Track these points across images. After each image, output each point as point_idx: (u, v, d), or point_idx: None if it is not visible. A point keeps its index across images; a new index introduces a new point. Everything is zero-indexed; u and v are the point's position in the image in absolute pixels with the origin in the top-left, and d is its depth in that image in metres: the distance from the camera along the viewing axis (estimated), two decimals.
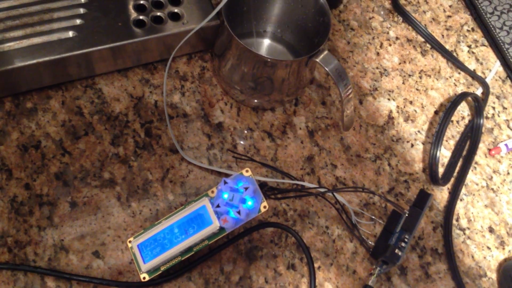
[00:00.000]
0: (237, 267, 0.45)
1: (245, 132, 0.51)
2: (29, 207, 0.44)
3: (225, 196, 0.41)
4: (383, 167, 0.53)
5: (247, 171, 0.42)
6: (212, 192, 0.43)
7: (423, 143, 0.56)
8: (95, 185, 0.46)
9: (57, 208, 0.44)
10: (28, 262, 0.42)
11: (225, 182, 0.41)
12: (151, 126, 0.49)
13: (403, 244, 0.43)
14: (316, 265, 0.46)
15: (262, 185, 0.44)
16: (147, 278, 0.42)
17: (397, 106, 0.58)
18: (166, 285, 0.43)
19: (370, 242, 0.48)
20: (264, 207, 0.41)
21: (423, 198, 0.46)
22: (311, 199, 0.49)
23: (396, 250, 0.43)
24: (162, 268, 0.42)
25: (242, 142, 0.51)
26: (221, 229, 0.42)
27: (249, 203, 0.41)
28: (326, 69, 0.46)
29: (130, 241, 0.42)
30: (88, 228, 0.44)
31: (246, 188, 0.41)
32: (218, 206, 0.41)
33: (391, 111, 0.57)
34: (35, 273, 0.42)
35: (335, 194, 0.49)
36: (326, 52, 0.45)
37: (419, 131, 0.57)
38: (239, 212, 0.40)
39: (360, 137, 0.54)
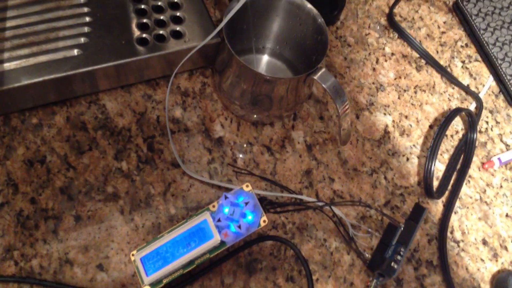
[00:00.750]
0: (237, 279, 0.46)
1: (245, 146, 0.53)
2: (35, 221, 0.45)
3: (226, 210, 0.42)
4: (379, 180, 0.54)
5: (247, 186, 0.43)
6: (213, 206, 0.44)
7: (418, 157, 0.57)
8: (99, 199, 0.47)
9: (62, 222, 0.45)
10: (34, 275, 0.43)
11: (226, 197, 0.42)
12: (153, 141, 0.51)
13: (398, 257, 0.44)
14: (314, 277, 0.48)
15: (262, 199, 0.45)
16: None
17: (393, 121, 0.59)
18: None
19: (367, 255, 0.49)
20: (264, 221, 0.43)
21: (418, 211, 0.47)
22: (309, 213, 0.50)
23: (392, 263, 0.44)
24: (164, 281, 0.43)
25: (242, 156, 0.52)
26: (222, 243, 0.43)
27: (249, 217, 0.42)
28: (324, 86, 0.47)
29: (133, 254, 0.43)
30: (92, 241, 0.45)
31: (246, 203, 0.42)
32: (219, 220, 0.42)
33: (387, 126, 0.58)
34: (41, 285, 0.43)
35: (332, 207, 0.50)
36: (323, 70, 0.47)
37: (414, 145, 0.58)
38: (239, 227, 0.41)
39: (357, 151, 0.56)
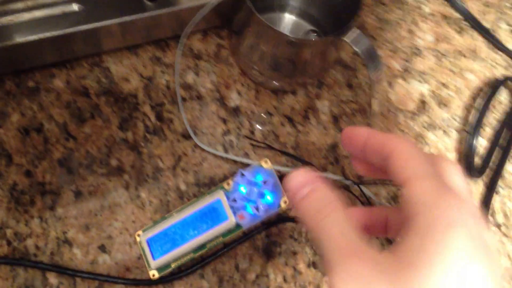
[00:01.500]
0: (254, 264, 0.42)
1: (264, 116, 0.48)
2: (30, 196, 0.41)
3: (242, 189, 0.38)
4: None
5: (266, 162, 0.39)
6: (228, 184, 0.39)
7: (457, 131, 0.52)
8: (102, 173, 0.43)
9: (61, 198, 0.42)
10: (28, 256, 0.39)
11: (242, 174, 0.38)
12: (163, 109, 0.46)
13: None
14: None
15: (282, 177, 0.41)
16: (157, 275, 0.39)
17: (430, 90, 0.54)
18: (177, 283, 0.40)
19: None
20: (285, 202, 0.38)
21: None
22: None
23: None
24: (173, 265, 0.39)
25: (260, 128, 0.47)
26: (237, 225, 0.39)
27: (268, 198, 0.38)
28: (356, 49, 0.42)
29: (138, 235, 0.39)
30: (94, 219, 0.41)
31: (265, 182, 0.38)
32: (234, 200, 0.38)
33: (423, 95, 0.53)
34: (36, 268, 0.39)
35: (360, 186, 0.45)
36: (356, 31, 0.41)
37: (453, 117, 0.53)
38: (257, 208, 0.37)
39: (389, 124, 0.51)
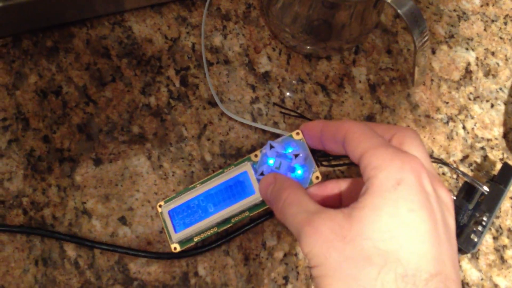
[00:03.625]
0: (282, 241, 0.41)
1: (295, 83, 0.46)
2: (48, 163, 0.40)
3: (271, 162, 0.36)
4: (456, 130, 0.47)
5: (297, 133, 0.37)
6: (256, 156, 0.38)
7: (505, 103, 0.49)
8: (123, 141, 0.41)
9: (80, 166, 0.40)
10: (45, 226, 0.38)
11: (271, 146, 0.36)
12: (187, 73, 0.44)
13: (479, 228, 0.37)
14: None
15: (314, 150, 0.38)
16: (179, 249, 0.38)
17: (477, 58, 0.50)
18: (200, 258, 0.39)
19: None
20: (317, 177, 0.36)
21: (507, 173, 0.40)
22: None
23: (472, 235, 0.37)
24: (196, 239, 0.38)
25: (291, 96, 0.45)
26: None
27: (299, 172, 0.36)
28: (399, 11, 0.39)
29: (160, 206, 0.38)
30: (114, 189, 0.40)
31: (296, 155, 0.36)
32: (262, 174, 0.36)
33: (469, 64, 0.50)
34: (53, 238, 0.38)
35: None
36: None
37: (501, 89, 0.50)
38: None
39: (431, 94, 0.48)
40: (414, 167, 0.26)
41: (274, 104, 0.45)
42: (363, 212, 0.26)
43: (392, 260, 0.25)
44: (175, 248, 0.38)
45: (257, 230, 0.41)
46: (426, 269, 0.25)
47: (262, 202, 0.37)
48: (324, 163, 0.41)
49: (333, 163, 0.42)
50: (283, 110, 0.45)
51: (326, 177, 0.43)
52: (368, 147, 0.28)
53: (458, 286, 0.26)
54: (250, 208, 0.38)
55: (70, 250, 0.38)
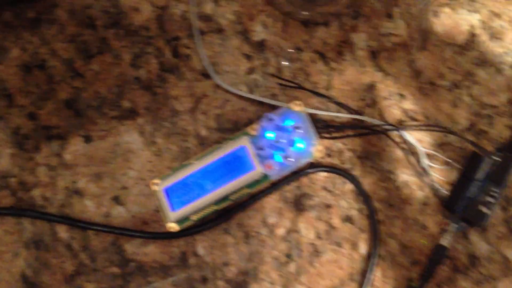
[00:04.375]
0: (283, 218, 0.39)
1: (293, 52, 0.44)
2: (35, 142, 0.38)
3: (270, 136, 0.35)
4: (461, 97, 0.45)
5: (297, 105, 0.35)
6: (254, 129, 0.36)
7: (511, 68, 0.47)
8: (113, 116, 0.40)
9: (69, 143, 0.39)
10: (35, 207, 0.37)
11: (270, 119, 0.35)
12: (178, 43, 0.42)
13: (490, 199, 0.36)
14: (377, 218, 0.40)
15: (315, 122, 0.37)
16: (176, 228, 0.37)
17: (481, 21, 0.49)
18: (199, 238, 0.38)
19: (444, 191, 0.41)
20: (318, 151, 0.35)
21: None
22: (372, 138, 0.42)
23: (481, 207, 0.36)
24: (194, 218, 0.37)
25: (289, 65, 0.43)
26: (264, 176, 0.36)
27: (299, 145, 0.35)
28: None
29: (155, 183, 0.37)
30: (106, 168, 0.38)
31: (296, 127, 0.34)
32: (260, 148, 0.35)
33: (473, 27, 0.48)
34: (44, 220, 0.37)
35: (401, 131, 0.41)
36: None
37: (506, 52, 0.48)
38: (286, 157, 0.34)
39: (435, 60, 0.46)
40: None
41: (271, 75, 0.43)
42: None
43: None
44: (172, 228, 0.37)
45: (257, 207, 0.39)
46: None
47: (263, 178, 0.36)
48: (325, 135, 0.40)
49: (334, 135, 0.41)
50: (281, 81, 0.43)
51: (327, 149, 0.41)
52: None
53: None
54: (250, 185, 0.36)
55: (63, 232, 0.37)
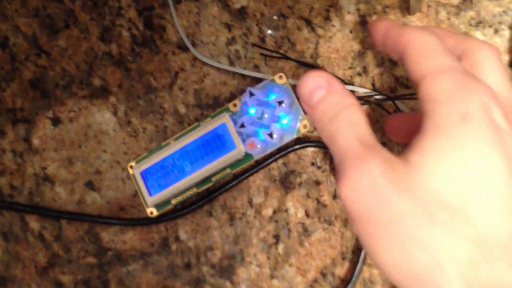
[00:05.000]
0: (270, 197, 0.38)
1: (276, 19, 0.41)
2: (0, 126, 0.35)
3: (252, 111, 0.33)
4: None
5: (280, 77, 0.32)
6: (235, 105, 0.34)
7: (510, 28, 0.45)
8: (83, 95, 0.37)
9: (36, 127, 0.37)
10: (3, 197, 0.35)
11: (251, 94, 0.32)
12: (152, 14, 0.40)
13: None
14: None
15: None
16: (155, 213, 0.35)
17: None
18: (180, 221, 0.36)
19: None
20: (304, 126, 0.32)
21: None
22: (364, 108, 0.39)
23: None
24: (174, 202, 0.35)
25: (272, 34, 0.41)
26: (247, 155, 0.34)
27: (284, 121, 0.33)
28: None
29: (131, 167, 0.35)
30: (78, 152, 0.36)
31: (280, 102, 0.31)
32: (242, 125, 0.32)
33: None
34: (12, 210, 0.34)
35: (395, 101, 0.39)
36: None
37: (505, 12, 0.45)
38: (270, 135, 0.31)
39: (429, 22, 0.43)
40: (483, 97, 0.21)
41: (253, 44, 0.40)
42: (423, 158, 0.21)
43: (461, 219, 0.20)
44: (151, 213, 0.35)
45: (242, 186, 0.37)
46: (504, 230, 0.20)
47: (245, 157, 0.33)
48: None
49: None
50: (264, 51, 0.40)
51: None
52: (429, 69, 0.22)
53: None
54: (232, 165, 0.34)
55: (33, 222, 0.35)
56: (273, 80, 0.32)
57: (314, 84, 0.26)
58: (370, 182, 0.21)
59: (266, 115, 0.32)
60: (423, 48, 0.23)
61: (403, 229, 0.20)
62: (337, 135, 0.24)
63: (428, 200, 0.20)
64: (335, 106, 0.24)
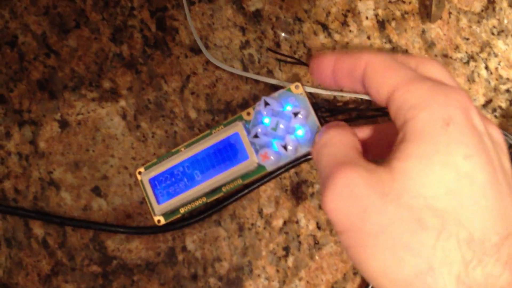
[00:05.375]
0: (280, 208, 0.37)
1: (292, 23, 0.41)
2: (6, 128, 0.37)
3: (266, 121, 0.31)
4: (478, 71, 0.42)
5: (297, 87, 0.31)
6: (248, 114, 0.33)
7: None
8: (92, 98, 0.37)
9: (43, 129, 0.36)
10: (7, 201, 0.34)
11: (266, 103, 0.31)
12: (165, 15, 0.39)
13: None
14: None
15: (316, 106, 0.33)
16: (163, 221, 0.34)
17: None
18: (187, 230, 0.35)
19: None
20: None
21: None
22: (380, 119, 0.38)
23: None
24: (182, 211, 0.34)
25: (287, 38, 0.40)
26: (260, 166, 0.32)
27: (299, 132, 0.32)
28: None
29: (140, 173, 0.34)
30: (85, 156, 0.36)
31: (295, 114, 0.30)
32: (256, 136, 0.31)
33: None
34: (16, 215, 0.34)
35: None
36: None
37: None
38: (284, 147, 0.30)
39: (449, 30, 0.42)
40: (462, 101, 0.22)
41: (268, 49, 0.39)
42: (408, 163, 0.21)
43: (451, 221, 0.20)
44: (158, 221, 0.34)
45: (252, 196, 0.36)
46: (495, 231, 0.20)
47: (258, 168, 0.32)
48: (329, 118, 0.36)
49: (339, 117, 0.37)
50: (279, 56, 0.39)
51: None
52: (399, 82, 0.23)
53: None
54: (243, 176, 0.33)
55: (37, 228, 0.34)
56: (289, 90, 0.31)
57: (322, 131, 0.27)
58: (353, 192, 0.21)
59: (281, 126, 0.31)
60: (384, 65, 0.24)
61: (393, 236, 0.20)
62: (321, 158, 0.24)
63: (416, 205, 0.20)
64: (325, 137, 0.25)
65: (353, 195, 0.21)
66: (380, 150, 0.24)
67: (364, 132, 0.29)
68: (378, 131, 0.28)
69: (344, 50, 0.31)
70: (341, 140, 0.25)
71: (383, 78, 0.24)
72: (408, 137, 0.22)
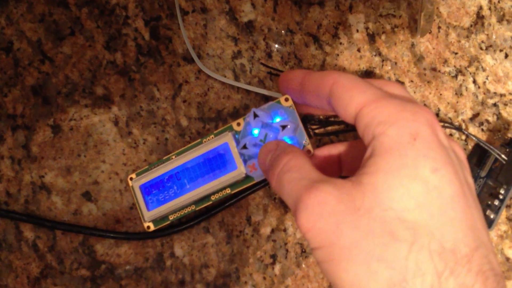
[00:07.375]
0: (269, 216, 0.37)
1: (284, 34, 0.41)
2: None
3: (255, 132, 0.31)
4: (466, 85, 0.42)
5: (286, 99, 0.31)
6: (238, 124, 0.33)
7: None
8: (85, 104, 0.36)
9: (36, 134, 0.36)
10: None
11: (256, 115, 0.31)
12: (159, 24, 0.39)
13: (496, 203, 0.32)
14: None
15: (306, 118, 0.33)
16: (152, 228, 0.34)
17: (489, 1, 0.44)
18: (176, 237, 0.35)
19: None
20: (308, 151, 0.31)
21: None
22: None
23: (487, 211, 0.32)
24: (171, 218, 0.34)
25: (279, 49, 0.39)
26: (248, 177, 0.32)
27: None
28: None
29: (131, 179, 0.34)
30: (77, 161, 0.35)
31: (284, 126, 0.30)
32: (244, 147, 0.31)
33: (481, 8, 0.44)
34: (7, 218, 0.33)
35: None
36: None
37: None
38: None
39: (438, 44, 0.42)
40: (428, 118, 0.22)
41: (261, 63, 0.39)
42: (377, 178, 0.21)
43: (422, 233, 0.20)
44: (148, 227, 0.34)
45: (241, 204, 0.36)
46: (465, 242, 0.20)
47: (246, 179, 0.32)
48: (318, 131, 0.36)
49: (327, 129, 0.37)
50: (271, 70, 0.39)
51: (318, 141, 0.38)
52: (366, 100, 0.23)
53: (496, 258, 0.22)
54: (232, 185, 0.33)
55: (28, 231, 0.34)
56: (278, 102, 0.31)
57: (266, 150, 0.27)
58: (325, 209, 0.21)
59: (269, 138, 0.31)
60: (352, 84, 0.24)
61: (367, 249, 0.20)
62: (283, 179, 0.24)
63: (388, 218, 0.20)
64: (278, 156, 0.26)
65: (325, 212, 0.21)
66: (354, 165, 0.24)
67: (338, 148, 0.29)
68: (352, 147, 0.28)
69: (312, 70, 0.32)
70: (297, 164, 0.25)
71: (351, 96, 0.24)
72: (377, 152, 0.22)
